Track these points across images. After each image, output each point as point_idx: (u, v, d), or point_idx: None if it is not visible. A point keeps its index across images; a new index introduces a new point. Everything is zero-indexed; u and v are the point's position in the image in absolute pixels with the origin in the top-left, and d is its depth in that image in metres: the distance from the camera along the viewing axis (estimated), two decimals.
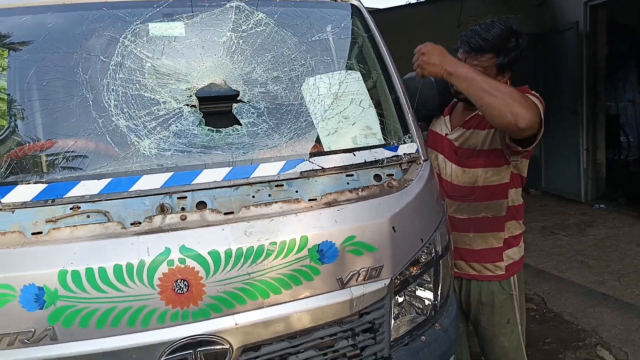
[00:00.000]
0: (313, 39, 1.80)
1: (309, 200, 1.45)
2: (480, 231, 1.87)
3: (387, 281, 1.47)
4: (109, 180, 1.37)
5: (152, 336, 1.24)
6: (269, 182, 1.46)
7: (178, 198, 1.38)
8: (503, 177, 1.83)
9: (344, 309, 1.42)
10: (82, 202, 1.33)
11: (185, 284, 1.26)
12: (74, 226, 1.29)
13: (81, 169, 1.42)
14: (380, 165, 1.59)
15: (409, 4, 6.39)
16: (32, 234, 1.26)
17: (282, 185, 1.46)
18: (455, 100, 1.93)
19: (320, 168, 1.51)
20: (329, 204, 1.45)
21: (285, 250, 1.34)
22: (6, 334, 1.19)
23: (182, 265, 1.26)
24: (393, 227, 1.47)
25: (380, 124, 1.71)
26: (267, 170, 1.47)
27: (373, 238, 1.44)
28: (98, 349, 1.22)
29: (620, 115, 7.15)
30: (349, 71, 1.78)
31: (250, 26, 1.77)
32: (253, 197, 1.43)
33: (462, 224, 1.89)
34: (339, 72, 1.75)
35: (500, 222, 1.87)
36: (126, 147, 1.46)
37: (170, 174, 1.41)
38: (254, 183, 1.44)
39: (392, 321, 1.52)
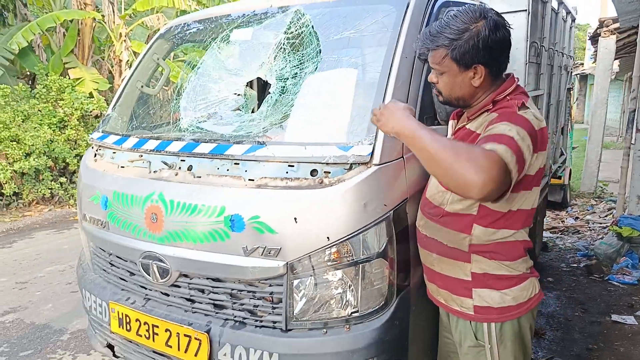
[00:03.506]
0: (335, 37, 1.94)
1: (249, 180, 1.76)
2: (443, 254, 1.59)
3: (282, 263, 1.64)
4: (159, 142, 2.10)
5: (137, 243, 1.94)
6: (231, 159, 1.84)
7: (181, 160, 1.97)
8: (469, 207, 1.49)
9: (244, 273, 1.70)
10: (144, 153, 2.12)
11: (155, 217, 1.88)
12: (135, 167, 2.10)
13: (154, 132, 2.21)
14: (325, 162, 1.68)
15: None
16: (120, 167, 2.15)
17: (239, 163, 1.82)
18: None
19: (271, 155, 1.77)
20: (259, 186, 1.73)
21: (209, 212, 1.74)
22: (97, 219, 2.15)
23: (156, 204, 1.88)
24: (295, 218, 1.61)
25: (354, 123, 1.74)
26: (236, 150, 1.85)
27: (274, 222, 1.64)
28: (118, 241, 2.02)
29: None
30: (348, 69, 1.84)
31: (297, 27, 2.08)
32: (218, 168, 1.86)
33: (426, 242, 1.64)
34: (336, 69, 1.85)
35: (463, 254, 1.54)
36: (178, 121, 2.15)
37: (184, 142, 2.01)
38: (223, 158, 1.86)
39: (294, 302, 1.67)
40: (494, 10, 1.47)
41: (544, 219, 5.49)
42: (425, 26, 1.87)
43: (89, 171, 2.28)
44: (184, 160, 1.96)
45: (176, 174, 1.94)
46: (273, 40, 2.13)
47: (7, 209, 7.26)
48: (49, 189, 7.39)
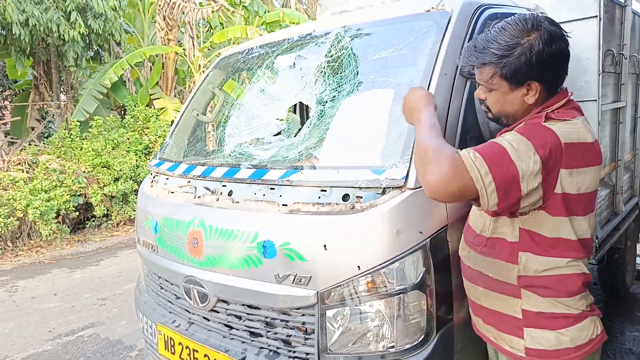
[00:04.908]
0: (373, 58, 1.88)
1: (282, 205, 1.73)
2: (490, 288, 1.43)
3: (313, 292, 1.57)
4: (205, 168, 2.15)
5: (180, 267, 1.98)
6: (268, 184, 1.83)
7: (222, 185, 2.00)
8: (511, 233, 1.33)
9: (276, 301, 1.66)
10: (191, 179, 2.18)
11: (196, 241, 1.91)
12: (183, 192, 2.17)
13: (202, 158, 2.27)
14: (357, 186, 1.61)
15: None
16: (170, 192, 2.23)
17: (274, 188, 1.80)
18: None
19: (305, 179, 1.73)
20: (291, 211, 1.69)
21: (244, 238, 1.74)
22: (148, 242, 2.23)
23: (198, 229, 1.91)
24: (324, 245, 1.55)
25: (389, 145, 1.66)
26: (272, 175, 1.83)
27: (304, 249, 1.58)
28: (165, 265, 2.08)
29: None
30: (384, 89, 1.77)
31: (337, 50, 2.05)
32: (255, 194, 1.85)
33: (470, 274, 1.48)
34: (372, 91, 1.78)
35: (512, 288, 1.37)
36: (222, 148, 2.19)
37: (226, 168, 2.03)
38: (260, 184, 1.85)
39: (327, 333, 1.59)
40: (548, 18, 1.32)
41: (637, 244, 4.90)
42: (469, 41, 1.75)
43: (145, 197, 2.39)
44: (225, 186, 1.98)
45: (217, 200, 1.96)
46: (314, 64, 2.11)
47: (98, 230, 7.91)
48: (134, 210, 7.96)
